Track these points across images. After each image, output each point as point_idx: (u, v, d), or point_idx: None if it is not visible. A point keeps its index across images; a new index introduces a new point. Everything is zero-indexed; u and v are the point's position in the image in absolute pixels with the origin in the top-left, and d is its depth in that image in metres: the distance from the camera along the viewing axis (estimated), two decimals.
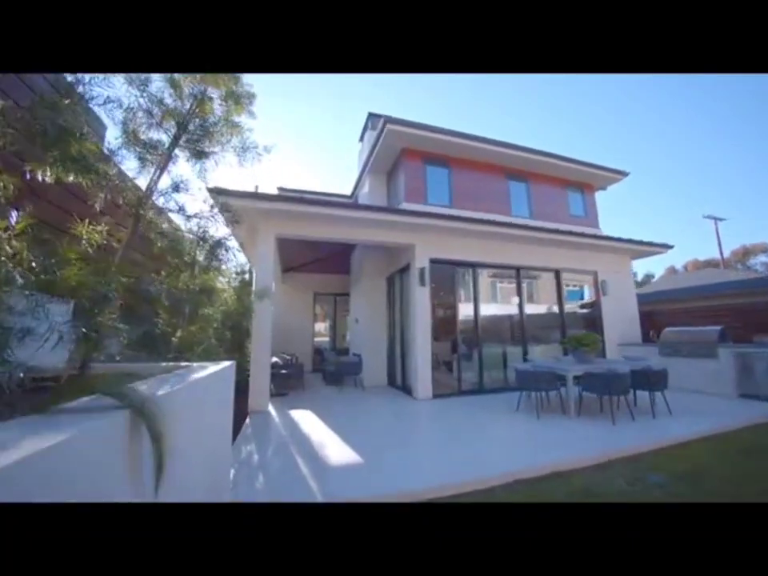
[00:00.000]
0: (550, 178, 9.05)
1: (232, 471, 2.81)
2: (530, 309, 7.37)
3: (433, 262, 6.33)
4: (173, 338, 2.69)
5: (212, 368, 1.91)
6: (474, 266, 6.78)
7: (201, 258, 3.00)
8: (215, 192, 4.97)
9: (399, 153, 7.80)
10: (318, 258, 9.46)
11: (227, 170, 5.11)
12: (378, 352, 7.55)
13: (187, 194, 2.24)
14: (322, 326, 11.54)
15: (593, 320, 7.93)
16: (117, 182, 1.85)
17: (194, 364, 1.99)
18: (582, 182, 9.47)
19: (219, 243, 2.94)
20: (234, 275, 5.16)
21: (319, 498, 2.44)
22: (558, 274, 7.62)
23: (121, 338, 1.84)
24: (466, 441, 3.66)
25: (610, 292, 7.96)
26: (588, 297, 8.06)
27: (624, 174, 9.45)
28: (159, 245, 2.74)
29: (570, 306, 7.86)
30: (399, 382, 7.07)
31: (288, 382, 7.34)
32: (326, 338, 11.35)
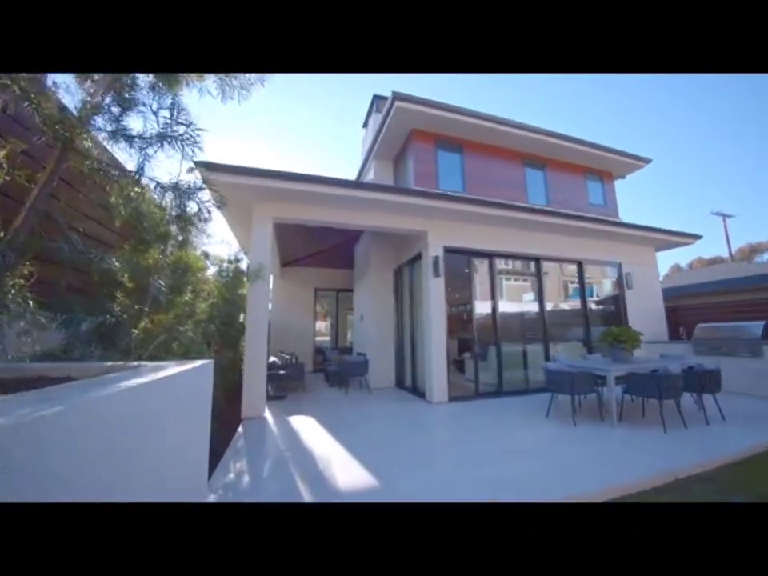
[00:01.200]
0: (568, 165, 8.45)
1: (211, 497, 2.20)
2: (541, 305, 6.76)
3: (447, 250, 5.73)
4: (138, 330, 2.08)
5: (173, 369, 1.31)
6: (491, 255, 6.17)
7: (176, 229, 2.39)
8: (203, 166, 4.37)
9: (408, 135, 7.19)
10: (320, 251, 8.85)
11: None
12: (385, 351, 6.94)
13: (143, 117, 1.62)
14: (322, 325, 10.93)
15: (616, 316, 7.33)
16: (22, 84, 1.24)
17: (149, 363, 1.39)
18: (601, 169, 8.87)
19: (199, 213, 2.35)
20: (226, 263, 4.56)
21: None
22: (580, 265, 7.02)
23: (33, 324, 1.24)
24: (501, 456, 3.05)
25: (634, 285, 7.37)
26: (596, 294, 7.40)
27: (646, 160, 8.86)
28: (122, 212, 2.14)
29: (571, 305, 7.21)
30: (409, 383, 6.46)
31: (287, 384, 6.73)
32: (327, 338, 10.73)
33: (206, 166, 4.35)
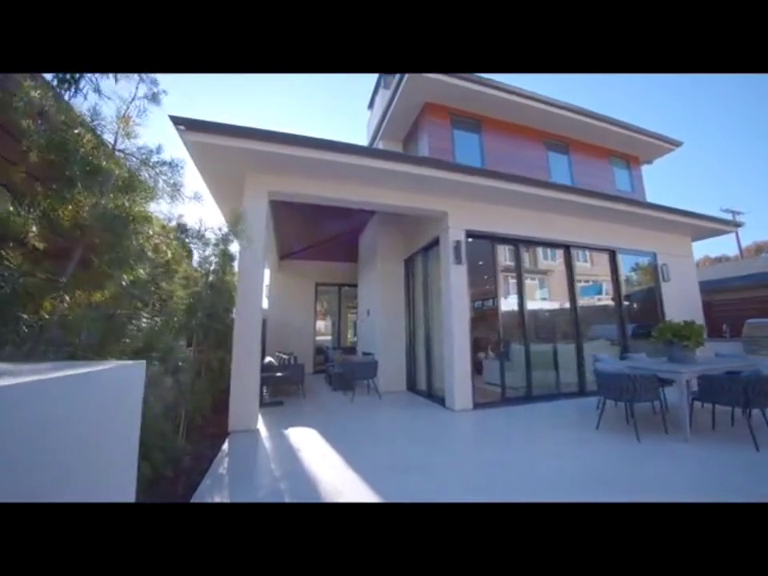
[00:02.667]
0: (593, 148, 7.72)
1: None
2: (553, 303, 6.01)
3: (469, 235, 4.98)
4: (44, 311, 1.31)
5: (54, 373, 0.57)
6: (517, 241, 5.43)
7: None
8: (184, 124, 3.60)
9: (421, 109, 6.44)
10: (321, 242, 8.10)
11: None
12: (395, 350, 6.18)
13: None
14: (322, 324, 10.15)
15: (651, 311, 6.60)
16: None
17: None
18: (628, 153, 8.15)
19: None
20: (212, 246, 3.79)
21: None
22: (613, 254, 6.29)
23: None
24: (574, 487, 2.29)
25: (671, 278, 6.64)
26: (605, 293, 6.62)
27: (676, 143, 8.14)
28: (33, 137, 1.43)
29: (588, 301, 6.45)
30: (423, 386, 5.71)
31: (285, 388, 5.96)
32: (328, 337, 9.96)
33: (189, 124, 3.60)
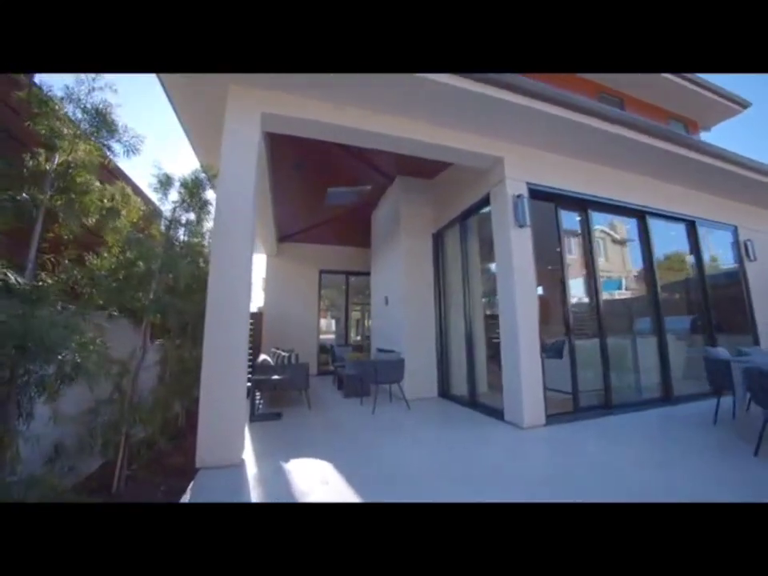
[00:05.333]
0: (649, 107, 6.50)
1: None
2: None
3: (531, 191, 3.73)
4: None
5: None
6: (585, 204, 4.19)
7: None
8: None
9: None
10: (327, 220, 6.84)
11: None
12: (423, 346, 4.91)
13: None
14: (324, 322, 8.87)
15: (731, 298, 5.39)
16: None
17: None
18: (687, 116, 6.96)
19: None
20: (175, 183, 2.52)
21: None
22: (693, 226, 5.06)
23: None
24: None
25: (757, 257, 5.43)
26: (624, 288, 5.39)
27: (744, 104, 6.96)
28: None
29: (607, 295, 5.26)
30: (461, 392, 4.46)
31: (284, 394, 4.69)
32: (330, 336, 8.68)
33: None
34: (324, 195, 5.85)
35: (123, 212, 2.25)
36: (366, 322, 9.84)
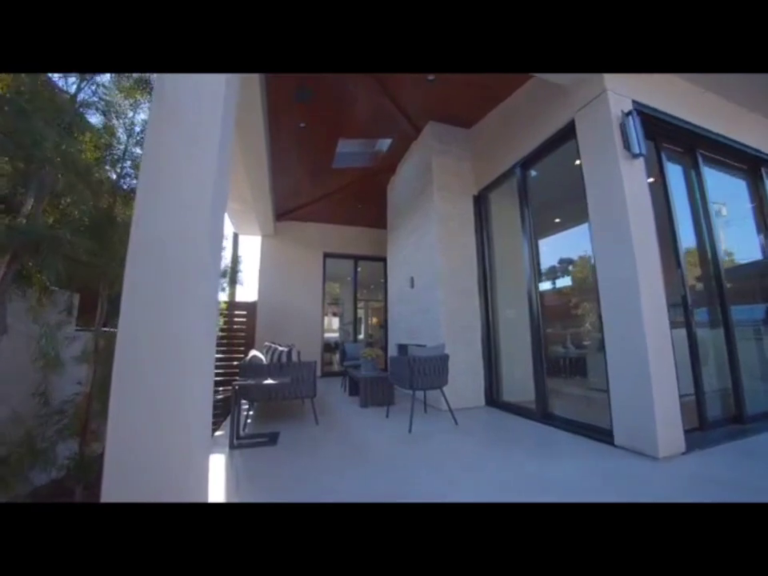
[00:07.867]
0: None
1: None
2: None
3: (638, 110, 2.59)
4: None
5: None
6: (695, 140, 3.06)
7: None
8: None
9: None
10: (334, 190, 5.70)
11: None
12: (463, 340, 3.76)
13: None
14: (326, 320, 7.69)
15: None
16: None
17: None
18: None
19: None
20: None
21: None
22: None
23: None
24: None
25: None
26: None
27: None
28: None
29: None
30: (522, 400, 3.31)
31: (280, 404, 3.55)
32: (331, 335, 7.51)
33: None
34: (331, 157, 4.71)
35: None
36: (369, 320, 8.72)
